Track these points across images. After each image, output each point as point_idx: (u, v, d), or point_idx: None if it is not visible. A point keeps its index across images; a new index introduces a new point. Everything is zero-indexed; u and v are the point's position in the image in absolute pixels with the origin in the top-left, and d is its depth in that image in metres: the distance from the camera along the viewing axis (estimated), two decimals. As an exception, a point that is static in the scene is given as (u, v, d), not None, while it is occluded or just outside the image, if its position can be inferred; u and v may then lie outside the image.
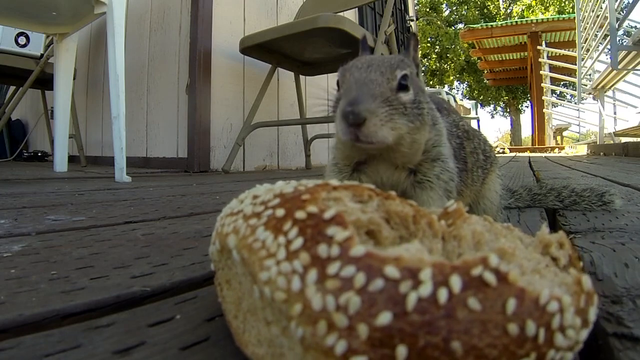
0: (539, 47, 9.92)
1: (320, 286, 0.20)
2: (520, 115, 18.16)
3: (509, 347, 0.19)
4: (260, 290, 0.22)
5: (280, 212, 0.24)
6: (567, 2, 14.53)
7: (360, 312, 0.19)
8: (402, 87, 0.46)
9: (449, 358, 0.18)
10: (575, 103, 8.80)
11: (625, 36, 5.43)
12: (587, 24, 6.51)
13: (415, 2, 6.69)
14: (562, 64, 9.23)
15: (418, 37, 0.58)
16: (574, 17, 7.86)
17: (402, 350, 0.18)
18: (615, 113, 7.23)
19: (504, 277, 0.20)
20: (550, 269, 0.24)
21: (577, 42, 7.49)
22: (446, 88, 16.49)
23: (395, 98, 0.45)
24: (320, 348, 0.19)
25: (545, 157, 5.86)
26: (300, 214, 0.23)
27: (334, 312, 0.19)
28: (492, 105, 19.00)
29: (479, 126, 11.23)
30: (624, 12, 5.00)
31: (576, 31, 7.55)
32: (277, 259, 0.22)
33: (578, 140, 10.52)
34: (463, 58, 16.61)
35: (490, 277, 0.20)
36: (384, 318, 0.18)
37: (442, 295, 0.19)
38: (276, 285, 0.21)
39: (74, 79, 2.26)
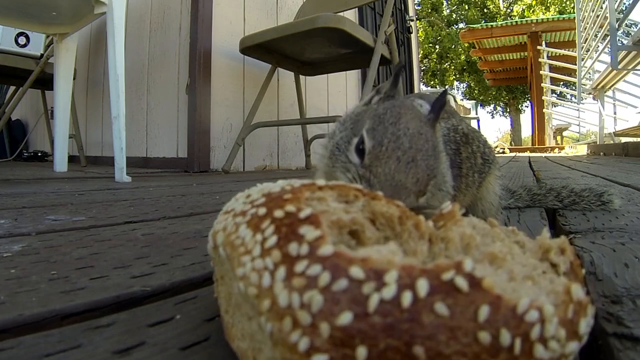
0: (539, 47, 9.91)
1: (287, 283, 0.20)
2: (520, 115, 18.15)
3: (480, 356, 0.18)
4: (237, 286, 0.23)
5: (262, 211, 0.25)
6: (568, 2, 14.53)
7: (323, 310, 0.19)
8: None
9: None
10: (576, 103, 8.80)
11: (625, 36, 5.43)
12: (587, 24, 6.51)
13: (416, 2, 6.69)
14: (562, 64, 9.22)
15: (456, 101, 0.49)
16: (574, 17, 7.86)
17: (362, 352, 0.18)
18: (615, 113, 7.22)
19: (477, 283, 0.20)
20: (547, 276, 0.24)
21: (577, 42, 7.48)
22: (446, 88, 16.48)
23: (415, 207, 0.40)
24: (286, 344, 0.19)
25: (545, 157, 5.86)
26: (278, 213, 0.24)
27: (298, 310, 0.19)
28: (492, 105, 19.01)
29: (479, 126, 11.24)
30: (624, 12, 5.00)
31: (576, 31, 7.55)
32: (253, 255, 0.23)
33: (578, 140, 10.51)
34: (464, 58, 16.60)
35: (461, 283, 0.20)
36: (345, 318, 0.18)
37: (406, 298, 0.19)
38: (249, 281, 0.22)
39: (74, 79, 2.26)
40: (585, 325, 0.22)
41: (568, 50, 9.23)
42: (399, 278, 0.19)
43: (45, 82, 2.82)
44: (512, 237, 0.28)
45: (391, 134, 0.40)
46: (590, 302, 0.23)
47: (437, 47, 16.95)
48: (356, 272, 0.20)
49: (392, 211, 0.26)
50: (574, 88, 9.93)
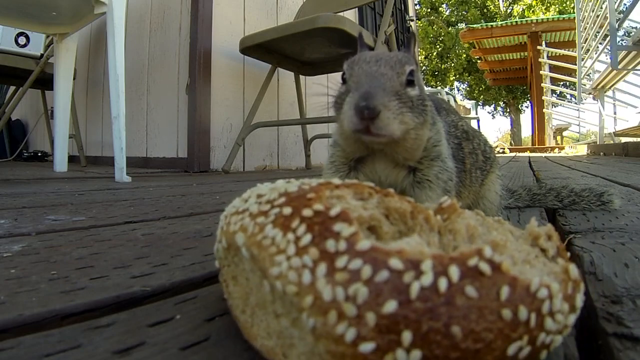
0: (539, 47, 9.91)
1: (330, 278, 0.21)
2: (520, 115, 18.15)
3: (503, 331, 0.21)
4: (271, 285, 0.24)
5: (287, 210, 0.25)
6: (568, 2, 14.51)
7: (368, 301, 0.20)
8: (410, 82, 0.47)
9: (450, 342, 0.20)
10: (576, 103, 8.80)
11: (625, 36, 5.43)
12: (587, 24, 6.51)
13: (416, 2, 6.69)
14: (562, 64, 9.22)
15: (417, 37, 0.59)
16: (574, 17, 7.86)
17: (407, 336, 0.20)
18: (615, 113, 7.22)
19: (497, 267, 0.22)
20: (540, 259, 0.26)
21: (577, 42, 7.48)
22: (446, 88, 16.46)
23: (404, 93, 0.45)
24: (331, 336, 0.20)
25: (545, 157, 5.86)
26: (307, 212, 0.25)
27: (344, 302, 0.20)
28: (492, 105, 18.99)
29: (479, 126, 11.23)
30: (624, 12, 5.00)
31: (576, 31, 7.55)
32: (287, 254, 0.23)
33: (578, 140, 10.50)
34: (464, 58, 16.57)
35: (485, 267, 0.22)
36: (390, 306, 0.20)
37: (442, 284, 0.21)
38: (287, 279, 0.22)
39: (74, 79, 2.26)
40: (580, 300, 0.25)
41: (568, 50, 9.23)
42: (434, 266, 0.21)
43: (45, 82, 2.82)
44: (501, 226, 0.30)
45: (361, 59, 0.48)
46: (582, 280, 0.26)
47: (437, 46, 16.91)
48: (395, 263, 0.21)
49: (405, 207, 0.27)
50: (574, 88, 9.92)
